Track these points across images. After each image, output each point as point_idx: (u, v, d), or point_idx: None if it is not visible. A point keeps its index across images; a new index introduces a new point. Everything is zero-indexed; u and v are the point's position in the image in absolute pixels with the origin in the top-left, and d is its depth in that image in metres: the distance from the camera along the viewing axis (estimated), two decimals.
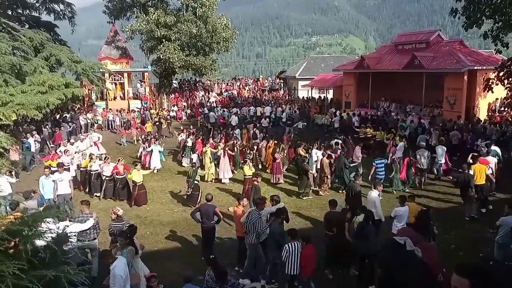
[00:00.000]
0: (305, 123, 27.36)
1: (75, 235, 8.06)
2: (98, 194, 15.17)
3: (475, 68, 21.20)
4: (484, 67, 21.26)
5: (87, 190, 15.67)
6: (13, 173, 14.44)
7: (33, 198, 10.74)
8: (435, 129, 19.76)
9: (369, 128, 21.82)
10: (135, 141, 23.80)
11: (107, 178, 14.95)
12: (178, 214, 13.78)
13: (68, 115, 27.94)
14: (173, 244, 11.52)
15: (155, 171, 18.05)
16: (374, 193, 10.72)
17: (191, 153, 19.04)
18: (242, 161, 17.05)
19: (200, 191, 14.30)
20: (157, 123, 26.66)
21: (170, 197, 15.54)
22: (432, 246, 6.33)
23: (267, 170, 17.90)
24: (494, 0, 17.23)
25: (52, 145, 20.94)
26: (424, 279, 4.72)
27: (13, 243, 3.60)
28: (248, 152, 18.32)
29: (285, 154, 18.05)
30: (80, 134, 22.00)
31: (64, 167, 15.81)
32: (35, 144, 19.55)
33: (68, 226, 7.17)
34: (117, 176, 14.79)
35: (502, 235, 8.63)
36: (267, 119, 28.34)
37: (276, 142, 18.85)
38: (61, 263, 3.83)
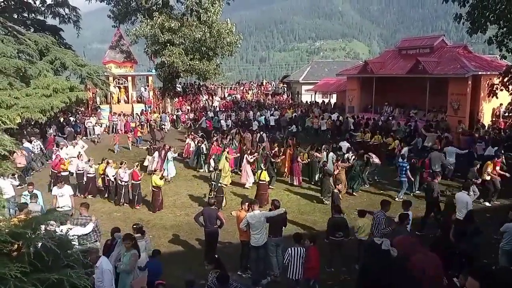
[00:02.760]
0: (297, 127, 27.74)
1: (77, 238, 8.10)
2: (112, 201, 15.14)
3: (479, 73, 21.11)
4: (489, 73, 21.18)
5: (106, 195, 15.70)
6: (16, 176, 14.48)
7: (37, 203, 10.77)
8: (430, 132, 20.11)
9: (368, 132, 21.94)
10: (130, 147, 24.01)
11: (125, 184, 14.85)
12: (181, 218, 13.78)
13: (73, 118, 28.05)
14: (176, 248, 11.51)
15: (169, 179, 17.77)
16: (464, 194, 10.68)
17: (205, 158, 19.09)
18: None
19: (223, 194, 14.39)
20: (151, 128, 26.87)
21: (173, 201, 15.54)
22: (429, 251, 6.34)
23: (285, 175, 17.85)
24: (499, 5, 17.20)
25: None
26: (406, 279, 4.78)
27: (16, 246, 3.60)
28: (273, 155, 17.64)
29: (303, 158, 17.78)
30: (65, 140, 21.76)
31: (78, 171, 15.90)
32: (36, 148, 19.50)
33: (70, 229, 7.21)
34: (134, 182, 14.73)
35: (506, 242, 8.57)
36: (256, 122, 28.21)
37: (296, 146, 18.50)
38: (64, 266, 3.84)
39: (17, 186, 14.02)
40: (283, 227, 9.51)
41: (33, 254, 3.48)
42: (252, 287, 7.10)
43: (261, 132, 22.97)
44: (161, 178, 14.71)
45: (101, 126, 28.81)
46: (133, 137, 25.28)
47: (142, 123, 28.35)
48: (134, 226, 8.65)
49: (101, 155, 19.72)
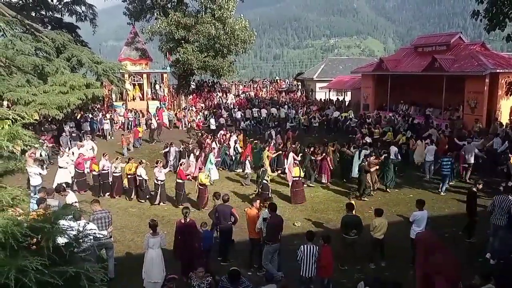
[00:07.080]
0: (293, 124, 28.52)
1: (94, 233, 8.23)
2: (143, 201, 14.94)
3: (497, 71, 20.79)
4: (507, 70, 20.85)
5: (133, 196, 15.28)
6: (44, 166, 14.72)
7: (54, 197, 10.91)
8: (433, 128, 20.69)
9: (378, 129, 22.10)
10: (132, 147, 23.28)
11: (161, 183, 14.63)
12: (195, 214, 13.81)
13: (90, 115, 28.24)
14: None
15: (211, 182, 16.87)
16: None
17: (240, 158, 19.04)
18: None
19: (270, 191, 14.44)
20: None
21: (187, 197, 15.58)
22: (450, 252, 6.24)
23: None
24: None
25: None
26: None
27: (35, 239, 3.68)
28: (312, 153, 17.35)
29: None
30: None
31: (103, 171, 15.55)
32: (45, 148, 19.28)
33: (88, 223, 7.32)
34: (179, 181, 14.53)
35: None
36: (247, 121, 28.45)
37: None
38: (80, 260, 3.91)
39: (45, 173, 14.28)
40: (280, 233, 9.27)
41: (52, 247, 3.55)
42: (265, 283, 7.11)
43: (270, 130, 23.30)
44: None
45: (116, 123, 29.03)
46: (133, 138, 24.07)
47: (149, 122, 28.05)
48: (150, 223, 8.75)
49: (113, 153, 19.78)
